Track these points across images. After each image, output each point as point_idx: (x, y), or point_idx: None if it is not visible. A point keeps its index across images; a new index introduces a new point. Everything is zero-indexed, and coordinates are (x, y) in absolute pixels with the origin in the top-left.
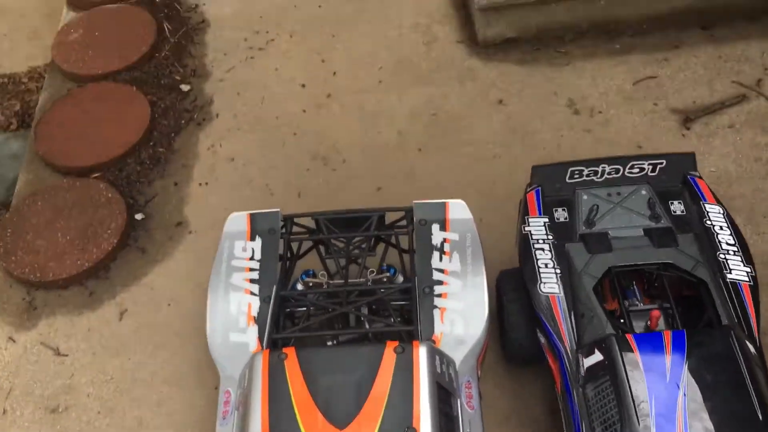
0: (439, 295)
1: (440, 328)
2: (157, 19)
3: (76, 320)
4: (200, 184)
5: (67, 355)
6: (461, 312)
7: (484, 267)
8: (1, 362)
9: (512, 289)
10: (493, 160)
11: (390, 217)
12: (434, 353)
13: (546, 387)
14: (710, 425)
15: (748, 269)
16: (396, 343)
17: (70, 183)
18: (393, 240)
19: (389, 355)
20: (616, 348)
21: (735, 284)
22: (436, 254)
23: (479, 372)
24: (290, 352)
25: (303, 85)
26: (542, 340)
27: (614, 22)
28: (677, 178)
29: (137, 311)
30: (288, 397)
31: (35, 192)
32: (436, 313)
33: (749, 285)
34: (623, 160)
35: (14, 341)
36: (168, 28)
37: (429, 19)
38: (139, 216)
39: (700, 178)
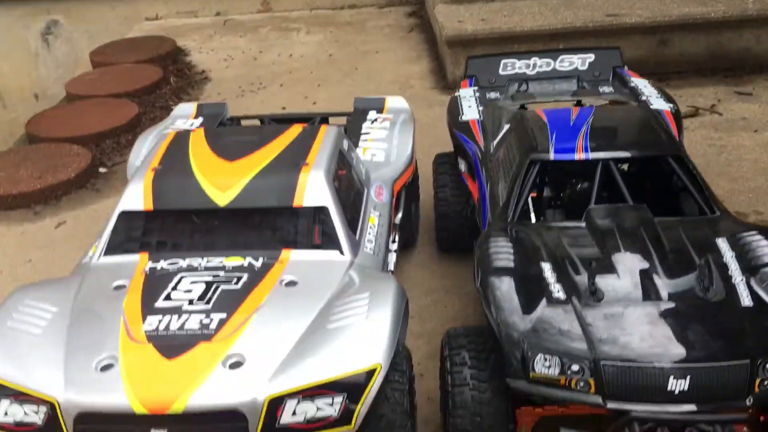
0: (366, 139)
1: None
2: (166, 72)
3: (14, 228)
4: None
5: None
6: (385, 150)
7: (413, 129)
8: None
9: (445, 167)
10: None
11: (335, 123)
12: (341, 133)
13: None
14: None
15: (671, 105)
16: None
17: (44, 145)
18: None
19: (296, 128)
20: (520, 115)
21: (658, 111)
22: (367, 122)
23: (394, 191)
24: (198, 130)
25: (283, 108)
26: (462, 168)
27: None
28: (607, 72)
29: (75, 223)
30: (186, 146)
31: (10, 150)
32: (361, 147)
33: (671, 112)
34: (554, 54)
35: None
36: (174, 79)
37: (407, 78)
38: (102, 170)
39: (630, 69)
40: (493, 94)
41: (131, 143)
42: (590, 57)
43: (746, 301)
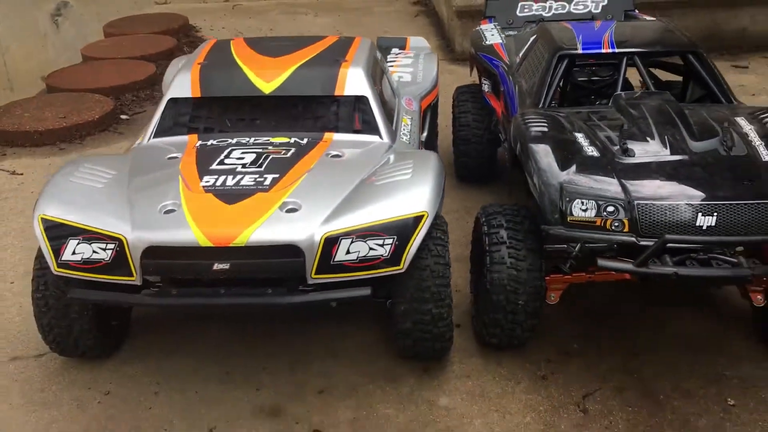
0: (392, 66)
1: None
2: (179, 40)
3: (40, 160)
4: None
5: (22, 174)
6: (411, 73)
7: (436, 59)
8: None
9: (466, 95)
10: None
11: None
12: (374, 45)
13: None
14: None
15: None
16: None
17: (65, 94)
18: None
19: (332, 37)
20: (546, 25)
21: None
22: (391, 55)
23: (421, 107)
24: (238, 38)
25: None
26: (486, 89)
27: None
28: (619, 14)
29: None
30: (228, 48)
31: (33, 97)
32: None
33: None
34: None
35: None
36: (187, 49)
37: None
38: (124, 116)
39: (639, 11)
40: (511, 32)
41: (150, 97)
42: (603, 1)
43: (766, 157)
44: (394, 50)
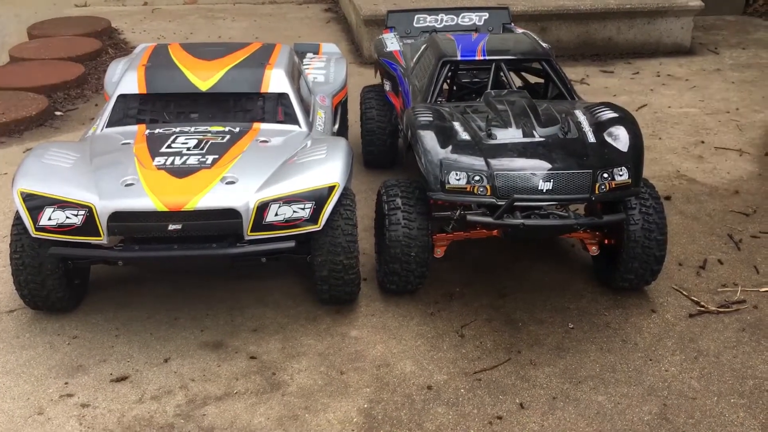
0: (307, 69)
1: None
2: (103, 42)
3: None
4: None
5: None
6: (324, 74)
7: (345, 62)
8: None
9: (371, 93)
10: None
11: None
12: (293, 50)
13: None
14: (501, 45)
15: (545, 45)
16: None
17: (2, 91)
18: None
19: (256, 43)
20: (434, 36)
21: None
22: (306, 59)
23: (333, 104)
24: (174, 43)
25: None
26: (387, 88)
27: None
28: (498, 26)
29: None
30: (167, 51)
31: None
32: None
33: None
34: (457, 11)
35: None
36: (111, 51)
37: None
38: (58, 113)
39: (516, 25)
40: (409, 41)
41: (81, 95)
42: (485, 15)
43: (591, 139)
44: (309, 54)
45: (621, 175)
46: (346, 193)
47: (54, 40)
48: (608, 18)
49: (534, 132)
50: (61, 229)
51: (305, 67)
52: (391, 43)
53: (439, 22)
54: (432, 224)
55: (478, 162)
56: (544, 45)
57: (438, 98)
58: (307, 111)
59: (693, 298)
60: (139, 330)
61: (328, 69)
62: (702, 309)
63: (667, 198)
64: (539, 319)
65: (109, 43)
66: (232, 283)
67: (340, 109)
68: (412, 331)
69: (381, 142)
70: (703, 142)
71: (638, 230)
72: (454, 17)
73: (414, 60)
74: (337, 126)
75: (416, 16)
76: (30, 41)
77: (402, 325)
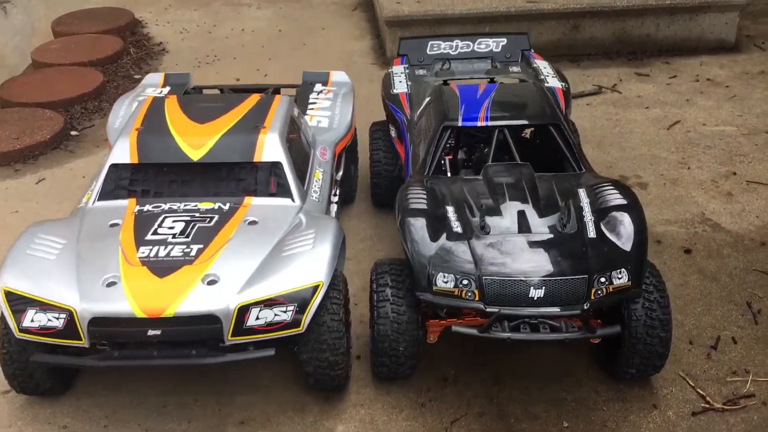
0: (312, 108)
1: (309, 122)
2: (125, 43)
3: None
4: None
5: None
6: (329, 117)
7: (353, 99)
8: None
9: (379, 133)
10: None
11: (285, 93)
12: (293, 102)
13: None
14: (506, 108)
15: (563, 83)
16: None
17: (17, 110)
18: None
19: (254, 97)
20: (439, 89)
21: (551, 89)
22: (314, 93)
23: (336, 152)
24: (172, 97)
25: (237, 79)
26: (393, 134)
27: None
28: (516, 53)
29: (53, 180)
30: (162, 110)
31: None
32: (308, 114)
33: (562, 90)
34: (473, 37)
35: None
36: (133, 51)
37: (350, 55)
38: (74, 133)
39: (535, 52)
40: (421, 71)
41: (98, 109)
42: (503, 41)
43: (591, 234)
44: (317, 86)
45: (620, 278)
46: (333, 284)
47: (76, 40)
48: (646, 14)
49: (530, 225)
50: (44, 331)
51: (311, 105)
52: (399, 82)
53: (453, 49)
54: (425, 309)
55: (467, 264)
56: (560, 84)
57: (442, 160)
58: (302, 176)
59: (699, 391)
60: (128, 419)
61: (333, 110)
62: (706, 406)
63: (688, 252)
64: (533, 414)
65: (131, 40)
66: None
67: (344, 154)
68: (400, 427)
69: (388, 184)
70: (735, 173)
71: (640, 327)
72: (470, 43)
73: (417, 113)
74: (341, 173)
75: (430, 43)
76: (52, 42)
77: (391, 419)
